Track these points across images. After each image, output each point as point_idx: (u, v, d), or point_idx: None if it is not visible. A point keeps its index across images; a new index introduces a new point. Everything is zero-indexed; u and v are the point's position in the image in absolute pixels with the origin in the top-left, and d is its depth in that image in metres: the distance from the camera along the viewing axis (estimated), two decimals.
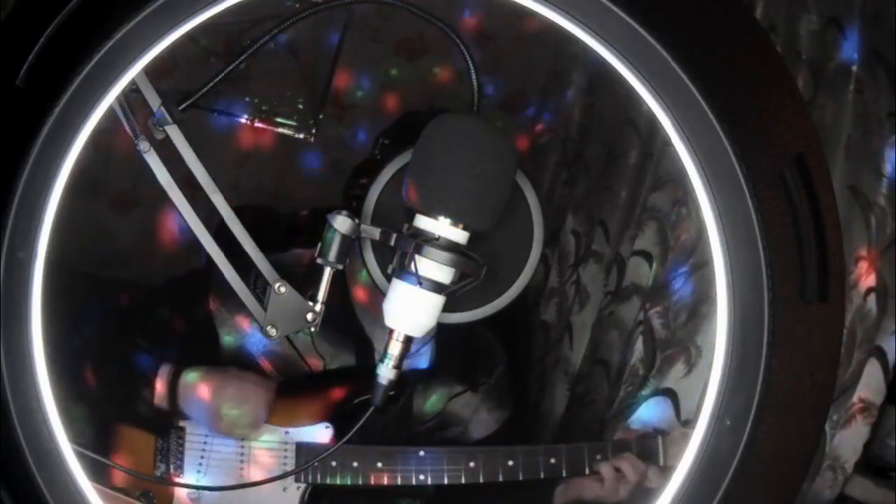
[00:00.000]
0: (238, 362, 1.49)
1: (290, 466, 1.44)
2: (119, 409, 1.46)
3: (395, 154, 1.05)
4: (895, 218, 1.49)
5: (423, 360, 1.57)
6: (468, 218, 0.95)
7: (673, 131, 0.90)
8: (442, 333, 1.56)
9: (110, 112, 0.90)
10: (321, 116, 2.40)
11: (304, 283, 1.02)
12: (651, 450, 1.44)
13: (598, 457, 1.44)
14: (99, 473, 1.00)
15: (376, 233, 1.00)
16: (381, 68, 2.63)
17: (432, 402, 1.55)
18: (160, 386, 1.42)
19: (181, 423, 1.45)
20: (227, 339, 1.51)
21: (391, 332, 0.98)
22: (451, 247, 0.94)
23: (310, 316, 1.01)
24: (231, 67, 1.00)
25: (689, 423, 1.56)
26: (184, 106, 0.98)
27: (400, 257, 0.98)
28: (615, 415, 1.75)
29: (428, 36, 2.57)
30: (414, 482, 1.45)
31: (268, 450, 1.45)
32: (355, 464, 1.44)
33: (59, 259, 0.91)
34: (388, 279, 1.01)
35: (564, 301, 2.19)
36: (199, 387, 1.41)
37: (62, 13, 0.89)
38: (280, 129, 2.39)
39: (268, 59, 2.38)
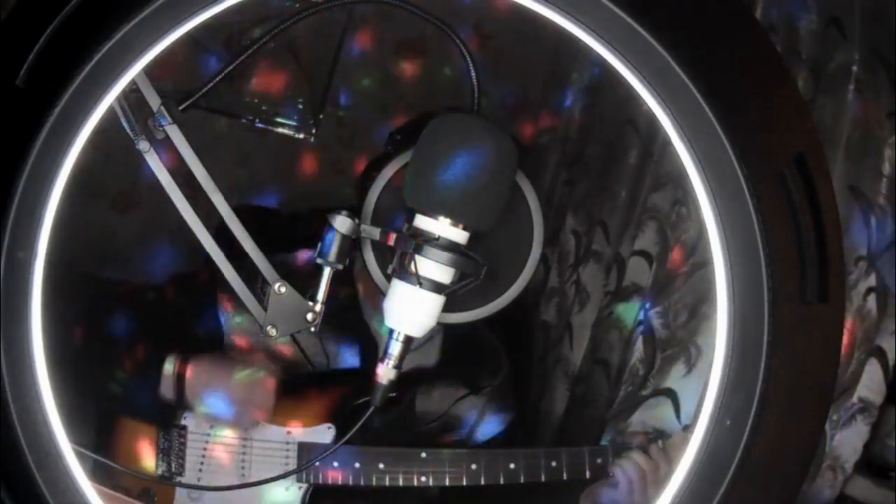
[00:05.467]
0: (242, 360, 1.49)
1: (292, 466, 1.44)
2: (122, 402, 1.45)
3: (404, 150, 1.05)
4: (895, 218, 1.48)
5: (428, 361, 1.57)
6: (468, 218, 0.95)
7: (673, 131, 0.90)
8: (447, 335, 1.56)
9: (110, 112, 0.90)
10: (321, 116, 2.40)
11: (311, 283, 1.02)
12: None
13: (599, 460, 1.43)
14: (99, 474, 1.00)
15: (376, 233, 1.00)
16: (381, 68, 2.63)
17: (435, 403, 1.55)
18: (167, 375, 1.41)
19: (183, 422, 1.44)
20: (233, 330, 1.51)
21: (391, 331, 0.98)
22: (451, 247, 0.94)
23: (310, 316, 1.01)
24: (231, 67, 1.00)
25: (689, 428, 1.55)
26: (184, 106, 0.98)
27: (400, 257, 0.98)
28: (615, 415, 1.75)
29: (428, 36, 2.57)
30: (415, 483, 1.45)
31: (269, 449, 1.45)
32: (357, 464, 1.44)
33: (59, 259, 0.91)
34: (388, 279, 1.01)
35: (564, 301, 2.19)
36: (207, 375, 1.40)
37: (62, 13, 0.89)
38: (280, 129, 2.39)
39: (268, 59, 2.37)
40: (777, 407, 0.90)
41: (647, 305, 1.75)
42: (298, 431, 1.45)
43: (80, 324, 1.49)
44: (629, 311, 1.85)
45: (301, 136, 2.39)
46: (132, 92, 0.93)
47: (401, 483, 1.45)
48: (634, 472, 1.40)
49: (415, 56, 2.62)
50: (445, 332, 1.56)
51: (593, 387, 1.94)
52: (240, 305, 1.02)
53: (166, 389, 1.41)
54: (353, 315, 1.50)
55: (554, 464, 1.44)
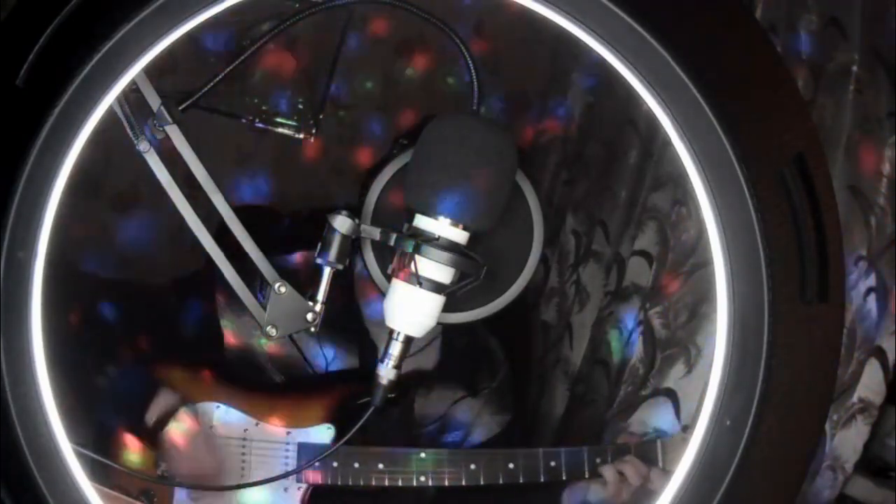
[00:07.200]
0: (241, 363, 1.49)
1: (292, 467, 1.44)
2: (118, 411, 1.46)
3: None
4: (895, 218, 1.48)
5: (427, 363, 1.57)
6: (468, 218, 0.95)
7: (673, 131, 0.90)
8: (446, 336, 1.56)
9: (110, 112, 0.90)
10: (321, 116, 2.40)
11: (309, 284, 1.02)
12: (650, 453, 1.44)
13: (598, 460, 1.43)
14: (98, 473, 1.00)
15: (376, 233, 1.00)
16: (381, 68, 2.63)
17: (434, 405, 1.55)
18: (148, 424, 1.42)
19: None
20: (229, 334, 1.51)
21: (391, 332, 0.98)
22: (450, 247, 0.94)
23: (310, 316, 1.01)
24: (231, 67, 1.00)
25: (688, 429, 1.56)
26: (184, 106, 0.98)
27: (400, 257, 0.97)
28: (615, 415, 1.75)
29: (428, 36, 2.57)
30: (415, 484, 1.45)
31: (269, 450, 1.45)
32: (356, 465, 1.43)
33: (59, 259, 0.91)
34: (388, 279, 1.01)
35: (564, 301, 2.19)
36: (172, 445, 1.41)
37: (62, 13, 0.89)
38: (280, 129, 2.39)
39: (268, 59, 2.37)
40: (777, 407, 0.90)
41: (647, 305, 1.75)
42: (298, 432, 1.45)
43: (78, 327, 1.49)
44: (629, 311, 1.86)
45: (301, 136, 2.39)
46: (132, 92, 0.93)
47: (400, 483, 1.45)
48: (633, 475, 1.40)
49: (415, 56, 2.62)
50: (444, 335, 1.56)
51: (593, 387, 1.94)
52: (238, 306, 1.02)
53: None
54: (351, 316, 1.50)
55: (553, 464, 1.44)
